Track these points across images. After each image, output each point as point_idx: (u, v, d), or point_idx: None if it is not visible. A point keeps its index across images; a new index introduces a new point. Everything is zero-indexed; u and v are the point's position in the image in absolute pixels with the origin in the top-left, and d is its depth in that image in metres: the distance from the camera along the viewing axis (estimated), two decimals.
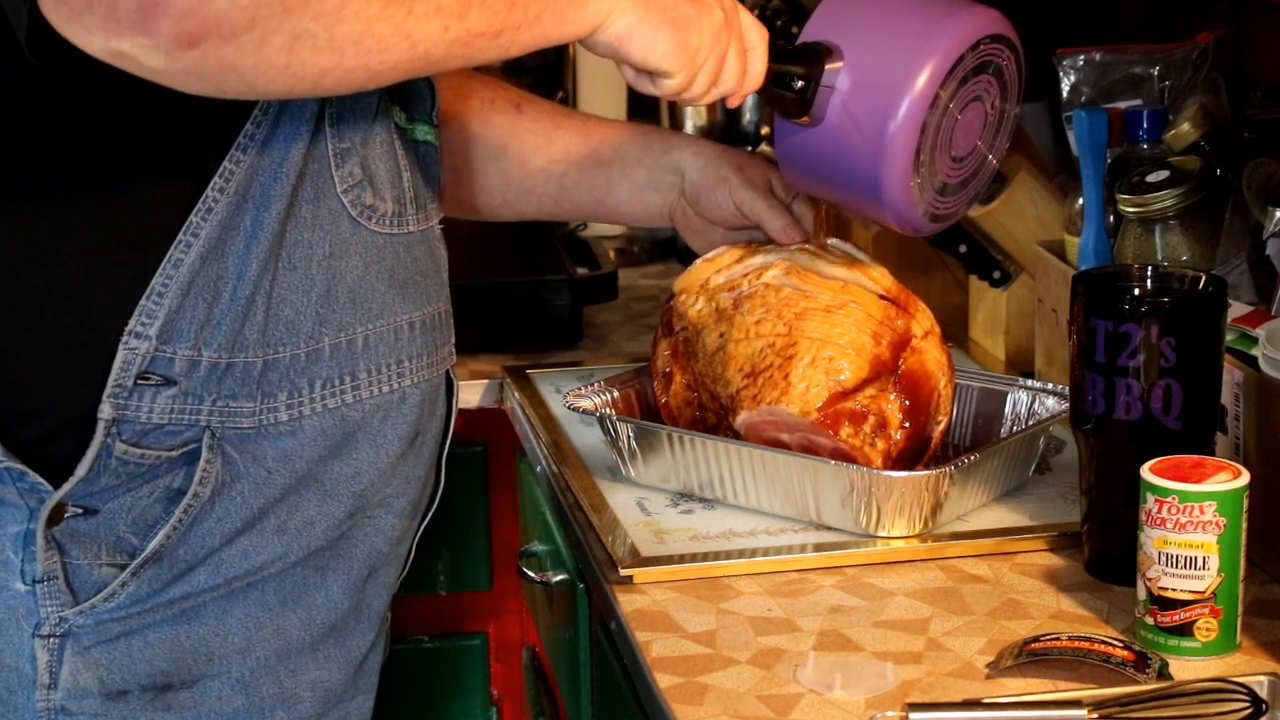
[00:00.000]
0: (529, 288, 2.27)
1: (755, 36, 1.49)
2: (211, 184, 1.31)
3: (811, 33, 1.57)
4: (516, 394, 2.09)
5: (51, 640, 1.36)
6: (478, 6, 1.25)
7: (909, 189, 1.56)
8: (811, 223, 1.73)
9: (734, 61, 1.47)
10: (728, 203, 1.73)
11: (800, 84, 1.53)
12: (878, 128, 1.53)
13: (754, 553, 1.62)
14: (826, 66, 1.54)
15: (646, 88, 1.46)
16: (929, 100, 1.53)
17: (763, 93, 1.53)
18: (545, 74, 3.08)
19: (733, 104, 1.52)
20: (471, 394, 2.17)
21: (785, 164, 1.62)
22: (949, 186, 1.62)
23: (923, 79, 1.53)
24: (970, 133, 1.60)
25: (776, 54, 1.52)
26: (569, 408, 1.82)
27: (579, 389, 1.84)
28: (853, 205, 1.65)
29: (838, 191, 1.62)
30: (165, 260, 1.31)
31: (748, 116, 2.84)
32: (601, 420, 1.79)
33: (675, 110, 2.82)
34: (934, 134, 1.56)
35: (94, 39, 1.14)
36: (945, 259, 2.27)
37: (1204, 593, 1.40)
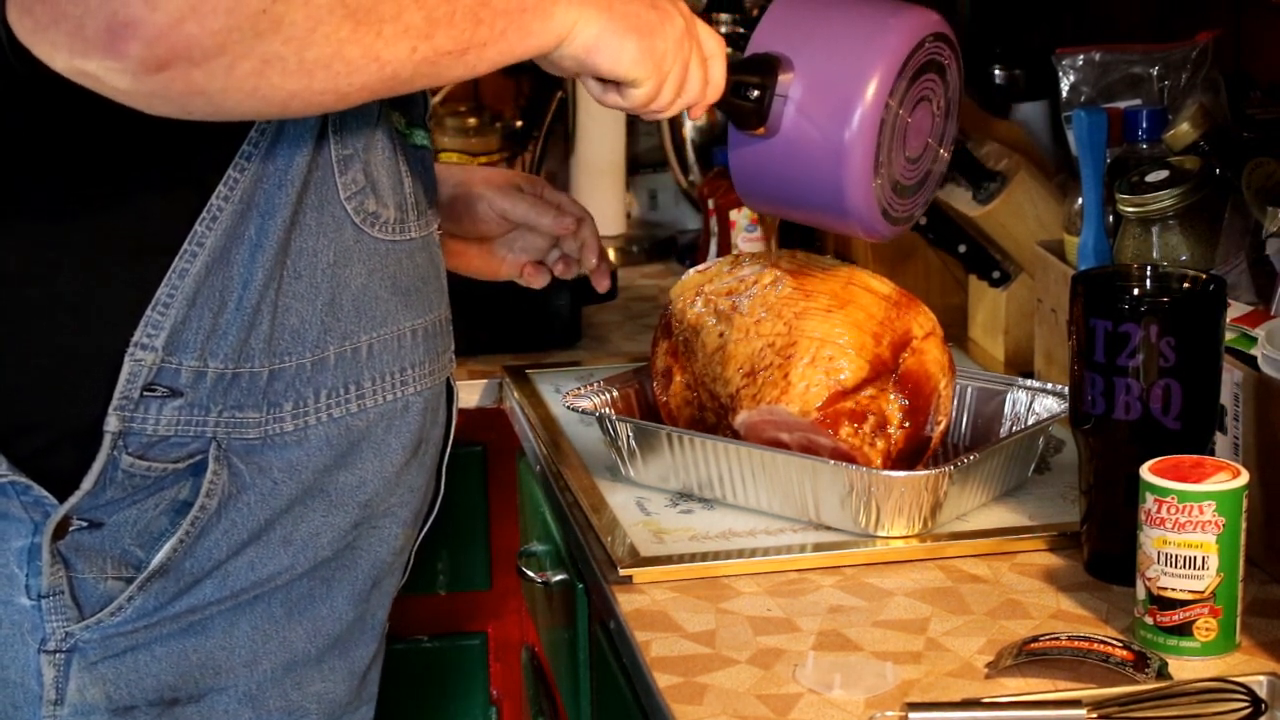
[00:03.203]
0: (528, 287, 2.27)
1: (713, 45, 1.49)
2: (216, 193, 1.30)
3: (759, 44, 1.57)
4: (516, 394, 2.10)
5: (57, 656, 1.35)
6: (444, 26, 1.24)
7: (871, 194, 1.56)
8: (571, 207, 1.73)
9: (696, 70, 1.47)
10: (489, 214, 1.71)
11: (756, 93, 1.54)
12: (835, 134, 1.53)
13: (753, 552, 1.62)
14: (780, 76, 1.54)
15: (613, 100, 1.45)
16: (883, 103, 1.53)
17: (720, 104, 1.52)
18: (545, 73, 3.08)
19: (695, 115, 1.52)
20: (471, 394, 2.17)
21: (742, 181, 1.61)
22: (906, 187, 1.62)
23: (875, 82, 1.53)
24: (921, 132, 1.61)
25: (731, 65, 1.53)
26: (568, 407, 1.82)
27: (578, 389, 1.84)
28: (813, 216, 1.65)
29: (797, 203, 1.61)
30: (170, 270, 1.30)
31: None
32: (601, 420, 1.79)
33: (675, 115, 2.81)
34: (889, 136, 1.56)
35: (58, 55, 1.13)
36: (945, 259, 2.27)
37: (1203, 592, 1.40)
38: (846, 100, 1.53)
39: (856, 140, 1.53)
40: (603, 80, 1.43)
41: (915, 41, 1.56)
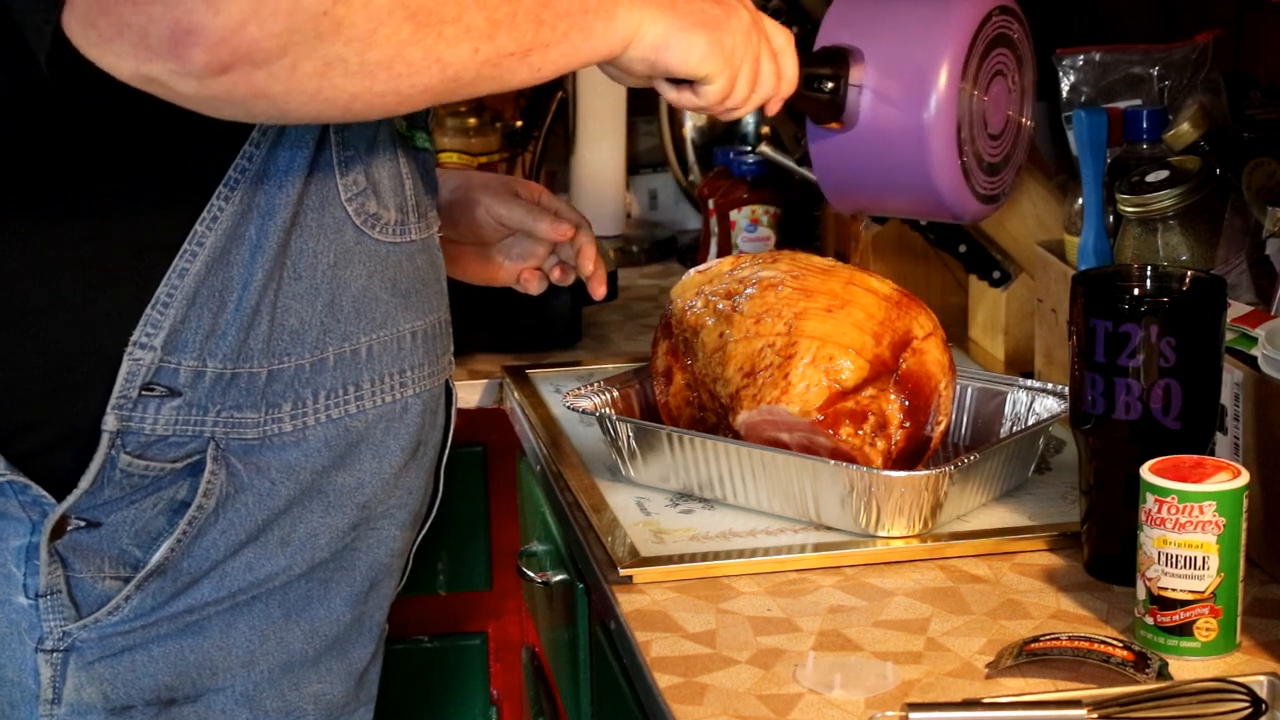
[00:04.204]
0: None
1: (782, 39, 1.48)
2: (216, 193, 1.31)
3: (826, 37, 1.57)
4: (516, 394, 2.09)
5: (55, 655, 1.35)
6: (506, 27, 1.24)
7: (958, 175, 1.56)
8: (568, 214, 1.72)
9: (768, 63, 1.46)
10: (486, 219, 1.72)
11: (830, 85, 1.53)
12: (914, 118, 1.53)
13: (754, 553, 1.62)
14: (851, 67, 1.54)
15: (689, 100, 1.44)
16: (957, 82, 1.53)
17: (795, 100, 1.51)
18: None
19: (772, 110, 1.50)
20: (471, 394, 2.17)
21: (828, 179, 1.60)
22: (994, 165, 1.62)
23: (946, 61, 1.53)
24: (999, 107, 1.60)
25: (802, 59, 1.52)
26: (568, 408, 1.82)
27: (578, 389, 1.84)
28: (905, 205, 1.64)
29: (887, 194, 1.61)
30: (170, 270, 1.30)
31: (748, 116, 2.84)
32: (601, 420, 1.79)
33: (674, 115, 2.82)
34: (968, 115, 1.55)
35: (124, 64, 1.14)
36: (945, 259, 2.27)
37: (1203, 593, 1.40)
38: (921, 82, 1.53)
39: (936, 121, 1.53)
40: (675, 82, 1.43)
41: (981, 17, 1.55)
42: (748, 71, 1.44)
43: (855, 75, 1.53)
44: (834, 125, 1.55)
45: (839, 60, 1.54)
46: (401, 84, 1.21)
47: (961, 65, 1.53)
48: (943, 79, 1.52)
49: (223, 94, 1.16)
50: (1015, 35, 1.61)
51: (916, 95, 1.52)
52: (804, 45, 1.50)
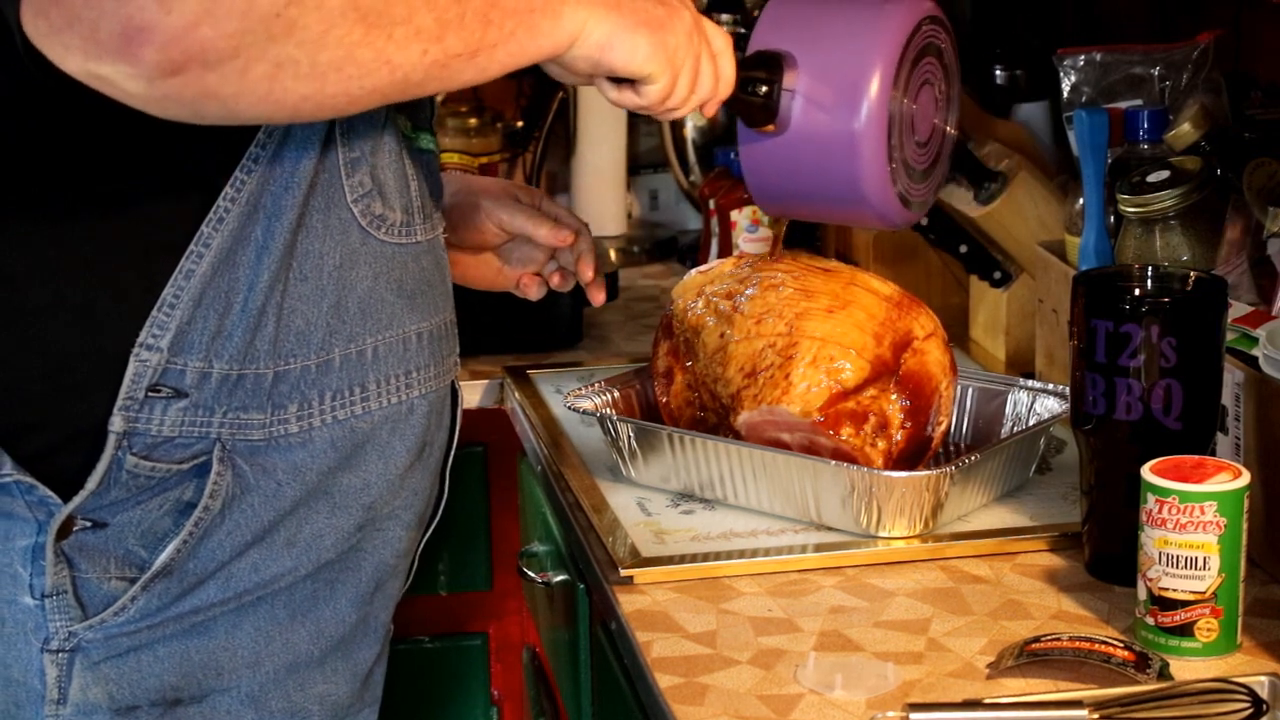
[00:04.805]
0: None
1: (721, 41, 1.49)
2: (223, 194, 1.30)
3: (759, 43, 1.57)
4: (517, 394, 2.10)
5: (60, 655, 1.35)
6: (455, 27, 1.24)
7: (887, 181, 1.56)
8: (568, 219, 1.73)
9: (707, 65, 1.46)
10: (487, 224, 1.71)
11: (764, 89, 1.54)
12: (845, 124, 1.54)
13: (754, 553, 1.62)
14: (785, 72, 1.54)
15: (630, 99, 1.45)
16: (889, 89, 1.54)
17: (729, 102, 1.52)
18: (546, 74, 3.07)
19: (709, 111, 1.51)
20: (472, 394, 2.17)
21: (756, 183, 1.61)
22: (919, 172, 1.62)
23: (878, 69, 1.53)
24: (927, 116, 1.61)
25: (738, 61, 1.53)
26: (569, 408, 1.82)
27: (579, 389, 1.84)
28: (830, 211, 1.65)
29: (814, 199, 1.61)
30: (176, 271, 1.30)
31: None
32: (602, 420, 1.79)
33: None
34: (898, 122, 1.56)
35: (71, 58, 1.13)
36: (946, 259, 2.27)
37: (1204, 593, 1.40)
38: (853, 89, 1.53)
39: (867, 128, 1.53)
40: (617, 81, 1.43)
41: (912, 26, 1.56)
42: (688, 72, 1.44)
43: (789, 80, 1.54)
44: (767, 128, 1.56)
45: (773, 65, 1.54)
46: (351, 85, 1.20)
47: (893, 73, 1.54)
48: (874, 86, 1.53)
49: (172, 94, 1.14)
50: (943, 45, 1.62)
51: (848, 101, 1.53)
52: (738, 49, 1.51)
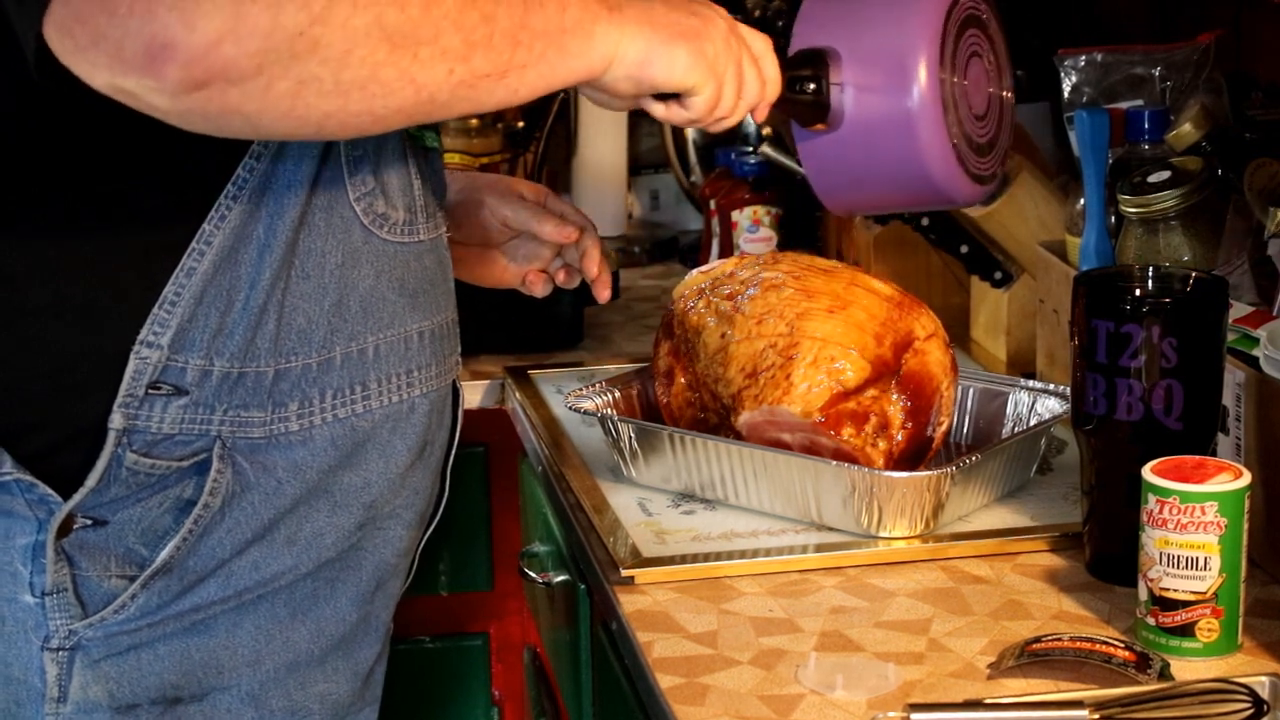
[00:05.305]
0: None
1: (760, 44, 1.48)
2: (225, 192, 1.31)
3: (800, 41, 1.57)
4: (518, 394, 2.10)
5: (61, 653, 1.35)
6: (483, 48, 1.23)
7: (952, 158, 1.55)
8: (573, 216, 1.72)
9: (750, 69, 1.45)
10: (491, 221, 1.71)
11: (813, 86, 1.53)
12: (900, 110, 1.53)
13: (755, 553, 1.62)
14: (830, 66, 1.54)
15: (678, 114, 1.43)
16: (936, 68, 1.53)
17: (780, 104, 1.51)
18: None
19: (760, 116, 1.49)
20: (473, 394, 2.17)
21: (823, 185, 1.59)
22: (983, 145, 1.61)
23: (923, 46, 1.53)
24: (980, 88, 1.60)
25: (781, 62, 1.52)
26: (570, 408, 1.82)
27: (580, 389, 1.84)
28: (902, 199, 1.64)
29: (883, 189, 1.60)
30: (178, 269, 1.30)
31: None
32: (603, 421, 1.79)
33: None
34: (951, 97, 1.55)
35: (98, 74, 1.14)
36: (946, 259, 2.27)
37: (1205, 593, 1.40)
38: (901, 71, 1.52)
39: (922, 106, 1.52)
40: (663, 98, 1.43)
41: (949, 2, 1.56)
42: (732, 78, 1.44)
43: (835, 74, 1.53)
44: (820, 126, 1.55)
45: (818, 60, 1.54)
46: (375, 104, 1.20)
47: (939, 50, 1.53)
48: (922, 65, 1.52)
49: (196, 109, 1.15)
50: (984, 15, 1.61)
51: (899, 84, 1.52)
52: (779, 51, 1.51)
